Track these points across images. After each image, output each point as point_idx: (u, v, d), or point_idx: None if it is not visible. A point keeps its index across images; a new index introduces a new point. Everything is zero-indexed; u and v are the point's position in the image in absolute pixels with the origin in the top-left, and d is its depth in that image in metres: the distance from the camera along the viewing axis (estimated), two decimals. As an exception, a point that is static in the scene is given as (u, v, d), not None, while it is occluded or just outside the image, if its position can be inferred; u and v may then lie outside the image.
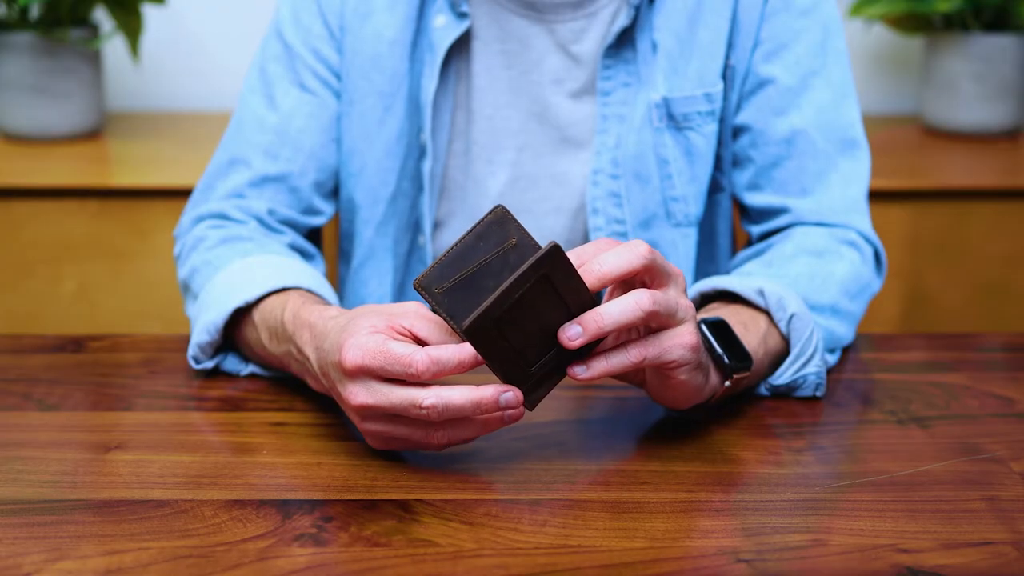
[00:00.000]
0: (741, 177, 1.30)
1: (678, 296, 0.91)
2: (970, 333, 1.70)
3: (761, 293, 1.08)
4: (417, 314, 0.91)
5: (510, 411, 0.89)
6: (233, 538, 0.83)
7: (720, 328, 1.01)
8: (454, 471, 0.93)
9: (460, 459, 0.95)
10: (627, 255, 0.89)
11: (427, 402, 0.87)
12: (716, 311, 1.08)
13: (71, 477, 0.92)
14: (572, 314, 0.88)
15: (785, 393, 1.08)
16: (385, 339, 0.89)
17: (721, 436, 1.00)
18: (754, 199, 1.29)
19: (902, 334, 1.76)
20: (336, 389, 0.93)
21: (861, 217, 1.26)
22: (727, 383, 1.00)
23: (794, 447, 0.99)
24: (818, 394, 1.08)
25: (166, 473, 0.93)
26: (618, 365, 0.90)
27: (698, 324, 0.98)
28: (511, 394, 0.88)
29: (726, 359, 0.99)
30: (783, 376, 1.07)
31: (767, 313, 1.08)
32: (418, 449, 0.93)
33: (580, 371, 0.89)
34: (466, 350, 0.88)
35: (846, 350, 1.21)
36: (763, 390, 1.08)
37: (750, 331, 1.05)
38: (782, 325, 1.07)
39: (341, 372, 0.90)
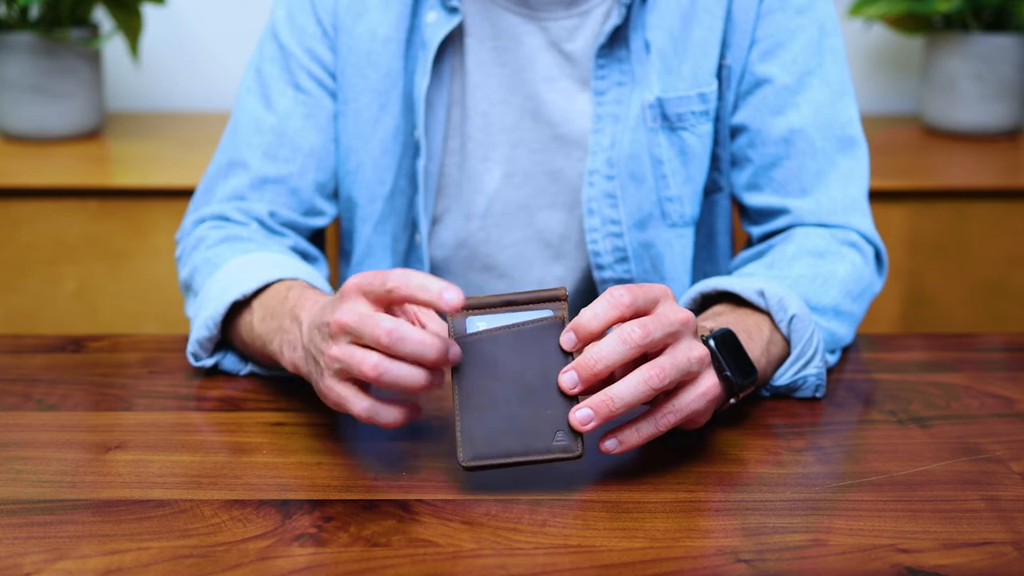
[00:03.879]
0: (740, 177, 1.30)
1: (688, 350, 0.90)
2: (970, 333, 1.70)
3: (762, 294, 1.08)
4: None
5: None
6: (233, 538, 0.83)
7: (727, 340, 1.00)
8: (454, 471, 0.93)
9: (460, 459, 0.95)
10: (606, 309, 0.89)
11: (386, 323, 0.86)
12: (721, 316, 1.07)
13: (71, 477, 0.92)
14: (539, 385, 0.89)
15: (785, 394, 1.08)
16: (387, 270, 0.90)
17: (721, 436, 1.00)
18: (753, 199, 1.29)
19: (902, 334, 1.76)
20: (324, 320, 0.91)
21: (861, 216, 1.25)
22: (732, 400, 1.00)
23: (794, 447, 0.99)
24: (818, 395, 1.08)
25: (166, 473, 0.93)
26: (650, 436, 0.91)
27: (705, 340, 0.98)
28: (457, 348, 0.88)
29: (734, 379, 0.99)
30: (783, 377, 1.07)
31: (768, 315, 1.08)
32: (347, 400, 0.89)
33: (612, 445, 0.90)
34: (438, 281, 0.88)
35: (846, 350, 1.21)
36: (763, 390, 1.09)
37: (753, 339, 1.05)
38: (783, 326, 1.07)
39: (341, 294, 0.90)
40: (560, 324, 0.90)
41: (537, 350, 0.89)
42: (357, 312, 0.88)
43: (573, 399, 0.88)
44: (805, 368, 1.07)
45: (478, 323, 0.91)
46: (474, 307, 0.91)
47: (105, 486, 0.91)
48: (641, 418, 0.91)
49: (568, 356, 0.89)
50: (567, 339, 0.89)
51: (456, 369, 0.89)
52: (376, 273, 0.89)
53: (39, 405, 1.06)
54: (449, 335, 0.90)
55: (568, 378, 0.88)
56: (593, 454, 0.96)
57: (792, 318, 1.07)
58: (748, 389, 1.01)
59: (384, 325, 0.86)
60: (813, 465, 0.96)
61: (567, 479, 0.92)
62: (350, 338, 0.89)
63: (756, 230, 1.30)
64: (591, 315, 0.89)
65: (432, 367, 0.88)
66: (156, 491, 0.90)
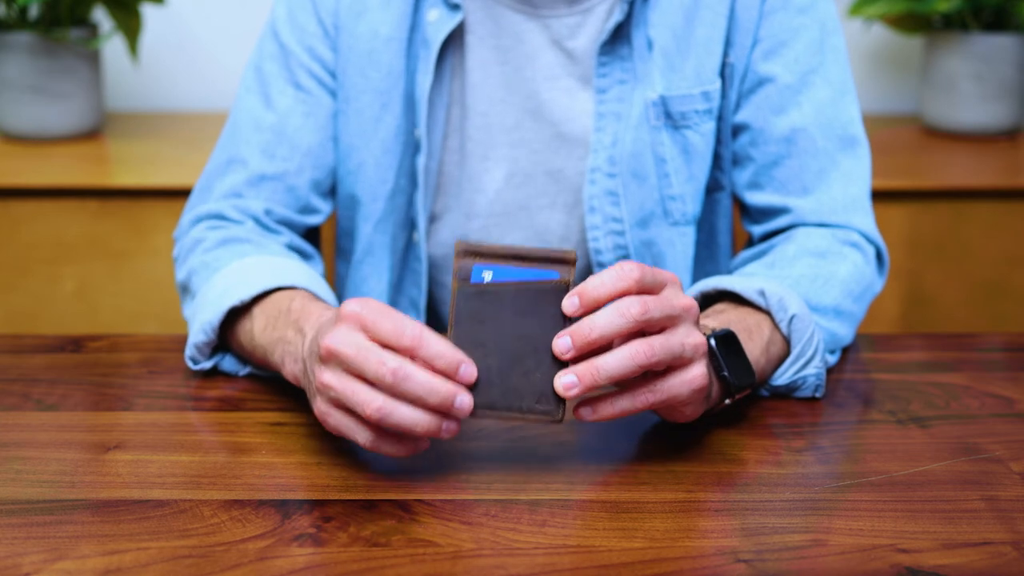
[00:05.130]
0: (741, 176, 1.30)
1: (684, 335, 0.90)
2: (970, 333, 1.70)
3: (762, 294, 1.08)
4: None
5: (448, 424, 0.87)
6: (232, 538, 0.83)
7: (727, 340, 1.00)
8: (454, 471, 0.93)
9: (459, 459, 0.95)
10: (614, 280, 0.88)
11: (391, 363, 0.85)
12: (722, 314, 1.07)
13: (70, 477, 0.92)
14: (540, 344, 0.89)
15: (785, 393, 1.08)
16: (390, 307, 0.89)
17: (721, 436, 1.00)
18: (755, 198, 1.29)
19: (902, 334, 1.76)
20: (317, 341, 0.90)
21: (863, 216, 1.25)
22: (727, 400, 1.00)
23: (794, 447, 0.99)
24: (818, 395, 1.08)
25: (165, 473, 0.93)
26: (625, 410, 0.90)
27: (707, 339, 0.98)
28: (466, 397, 0.86)
29: (732, 380, 0.99)
30: (783, 377, 1.07)
31: (768, 314, 1.08)
32: (349, 429, 0.89)
33: (586, 413, 0.90)
34: (456, 353, 0.87)
35: (846, 350, 1.20)
36: (762, 390, 1.09)
37: (753, 339, 1.04)
38: (783, 326, 1.07)
39: (335, 318, 0.89)
40: (564, 288, 0.89)
41: (536, 311, 0.89)
42: (355, 343, 0.87)
43: (563, 363, 0.88)
44: (805, 368, 1.07)
45: (484, 273, 0.90)
46: (483, 254, 0.90)
47: (104, 486, 0.91)
48: (621, 391, 0.90)
49: (566, 321, 0.89)
50: (570, 303, 0.89)
51: (455, 316, 0.89)
52: (382, 311, 0.87)
53: (38, 405, 1.06)
54: (453, 279, 0.90)
55: (562, 342, 0.88)
56: (592, 455, 0.96)
57: (792, 318, 1.07)
58: (745, 391, 1.01)
59: (389, 364, 0.85)
60: (813, 465, 0.96)
61: (567, 479, 0.92)
62: (344, 367, 0.88)
63: (757, 229, 1.30)
64: (598, 282, 0.88)
65: (435, 411, 0.87)
66: (155, 491, 0.90)
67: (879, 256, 1.27)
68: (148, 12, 2.32)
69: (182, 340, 1.18)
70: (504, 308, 0.89)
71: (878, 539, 0.84)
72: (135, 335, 1.26)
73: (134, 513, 0.87)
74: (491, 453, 0.96)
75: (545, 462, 0.95)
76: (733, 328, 1.02)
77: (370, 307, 0.88)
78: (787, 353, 1.08)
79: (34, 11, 2.11)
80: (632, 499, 0.89)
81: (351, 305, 0.89)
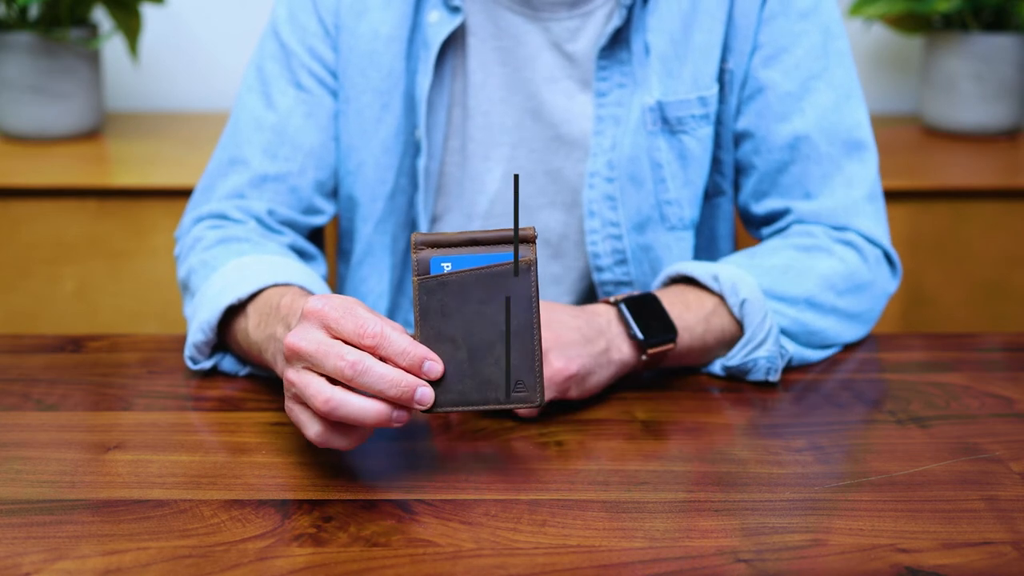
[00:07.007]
0: (746, 185, 1.30)
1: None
2: (970, 333, 1.70)
3: (716, 278, 1.13)
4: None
5: (398, 413, 0.86)
6: (232, 538, 0.83)
7: (647, 302, 1.07)
8: (454, 471, 0.93)
9: (459, 459, 0.95)
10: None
11: (350, 356, 0.85)
12: (663, 291, 1.14)
13: (70, 477, 0.92)
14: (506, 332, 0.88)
15: (738, 375, 1.13)
16: (356, 303, 0.89)
17: (721, 436, 1.00)
18: (760, 207, 1.29)
19: (902, 334, 1.76)
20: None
21: (865, 218, 1.25)
22: (644, 356, 1.06)
23: (794, 447, 0.99)
24: (771, 378, 1.11)
25: (165, 473, 0.93)
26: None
27: (617, 304, 1.06)
28: (427, 390, 0.86)
29: (640, 335, 1.06)
30: (734, 358, 1.12)
31: (720, 297, 1.12)
32: (302, 424, 0.89)
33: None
34: (419, 349, 0.87)
35: (847, 350, 1.20)
36: (718, 370, 1.13)
37: (691, 310, 1.11)
38: (735, 310, 1.12)
39: (302, 314, 0.90)
40: (527, 268, 0.88)
41: (500, 295, 0.88)
42: (316, 340, 0.87)
43: (535, 347, 0.87)
44: (756, 351, 1.11)
45: (443, 264, 0.88)
46: (438, 244, 0.88)
47: (104, 486, 0.91)
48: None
49: (533, 301, 0.88)
50: (399, 414, 0.87)
51: (419, 312, 0.88)
52: (345, 308, 0.87)
53: (38, 405, 1.06)
54: (413, 274, 0.88)
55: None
56: (592, 455, 0.96)
57: (743, 302, 1.11)
58: (666, 345, 1.07)
59: (348, 357, 0.85)
60: (813, 465, 0.96)
61: (567, 479, 0.92)
62: (304, 364, 0.88)
63: (765, 232, 1.30)
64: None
65: (394, 403, 0.87)
66: (155, 491, 0.90)
67: (888, 259, 1.26)
68: (148, 12, 2.32)
69: (182, 340, 1.18)
70: (468, 297, 0.88)
71: (878, 539, 0.84)
72: (135, 335, 1.26)
73: (134, 513, 0.87)
74: (491, 453, 0.96)
75: (545, 462, 0.95)
76: (664, 298, 1.10)
77: (332, 304, 0.88)
78: (740, 332, 1.13)
79: (34, 11, 2.12)
80: (632, 499, 0.89)
81: (314, 302, 0.89)
